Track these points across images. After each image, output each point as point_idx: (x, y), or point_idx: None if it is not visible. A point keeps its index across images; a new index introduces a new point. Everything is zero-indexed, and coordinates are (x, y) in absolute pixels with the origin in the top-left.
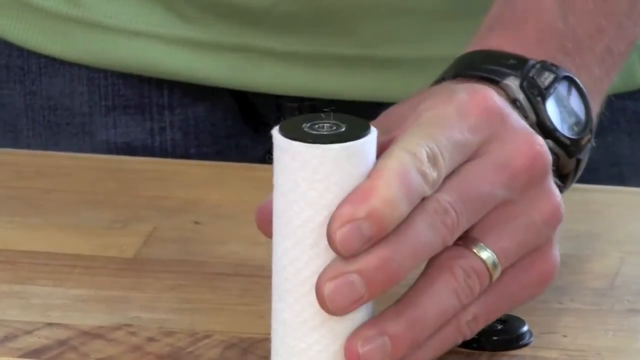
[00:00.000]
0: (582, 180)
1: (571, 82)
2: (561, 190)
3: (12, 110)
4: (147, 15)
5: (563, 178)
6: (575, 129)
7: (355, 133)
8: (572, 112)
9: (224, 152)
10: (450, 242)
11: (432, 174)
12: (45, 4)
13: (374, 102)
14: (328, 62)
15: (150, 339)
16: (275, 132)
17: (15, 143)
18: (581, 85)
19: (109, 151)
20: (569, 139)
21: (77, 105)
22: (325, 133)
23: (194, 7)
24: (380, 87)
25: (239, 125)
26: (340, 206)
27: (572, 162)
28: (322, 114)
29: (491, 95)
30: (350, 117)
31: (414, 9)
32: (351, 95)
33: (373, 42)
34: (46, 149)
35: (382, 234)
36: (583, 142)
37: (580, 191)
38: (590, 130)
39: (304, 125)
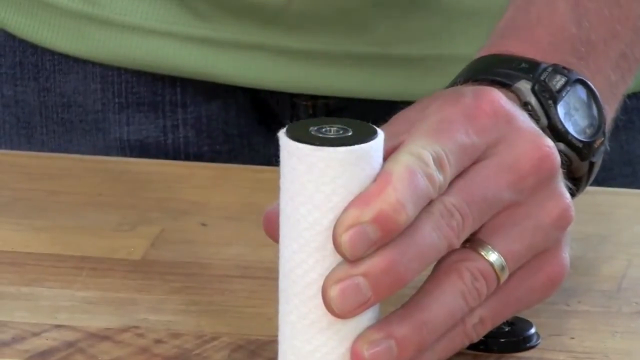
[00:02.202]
0: (596, 178)
1: (584, 85)
2: (574, 194)
3: (26, 108)
4: (161, 13)
5: (576, 181)
6: (588, 131)
7: (362, 137)
8: (584, 115)
9: (236, 151)
10: (457, 244)
11: (439, 177)
12: (60, 1)
13: (389, 100)
14: (343, 60)
15: (158, 341)
16: (282, 134)
17: (29, 140)
18: (594, 88)
19: (122, 149)
20: (581, 142)
21: (91, 102)
22: (332, 136)
23: (208, 5)
24: (395, 86)
25: (252, 123)
26: (346, 209)
27: (584, 165)
28: (329, 118)
29: (498, 98)
30: (357, 121)
31: (430, 7)
32: (366, 93)
33: (388, 40)
34: (60, 146)
35: (388, 238)
36: (596, 145)
37: (588, 193)
38: (604, 133)
39: (311, 128)
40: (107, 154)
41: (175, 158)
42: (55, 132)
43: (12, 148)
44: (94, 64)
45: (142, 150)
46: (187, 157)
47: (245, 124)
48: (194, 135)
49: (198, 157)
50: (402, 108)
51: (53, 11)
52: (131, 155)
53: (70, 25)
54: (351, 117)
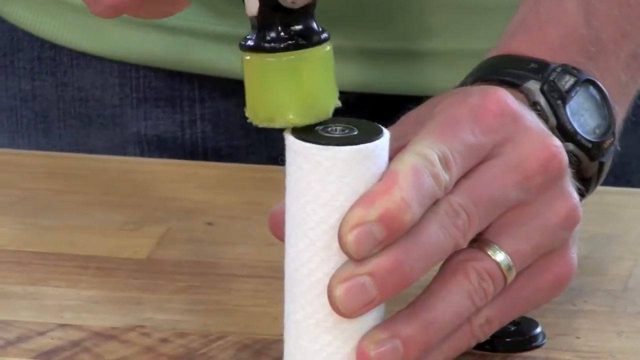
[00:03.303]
0: (614, 173)
1: (593, 85)
2: (584, 195)
3: (44, 102)
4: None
5: (585, 182)
6: (597, 132)
7: (368, 136)
8: (593, 115)
9: (254, 146)
10: (463, 244)
11: (444, 177)
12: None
13: (407, 96)
14: (361, 55)
15: (164, 340)
16: (287, 134)
17: (47, 134)
18: (603, 88)
19: (139, 143)
20: (590, 142)
21: (108, 97)
22: (337, 136)
23: (228, 2)
24: (413, 81)
25: None
26: (351, 209)
27: (594, 165)
28: (335, 117)
29: (505, 97)
30: (362, 120)
31: (449, 2)
32: (383, 88)
33: (407, 35)
34: (77, 140)
35: (393, 237)
36: (605, 145)
37: (595, 193)
38: (613, 134)
39: (316, 127)
40: (124, 148)
41: (192, 153)
42: (72, 126)
43: (29, 142)
44: (112, 59)
45: (160, 145)
46: (205, 152)
47: None
48: (212, 130)
49: (216, 152)
50: (417, 104)
51: (74, 10)
52: (148, 150)
53: (90, 23)
54: (369, 112)
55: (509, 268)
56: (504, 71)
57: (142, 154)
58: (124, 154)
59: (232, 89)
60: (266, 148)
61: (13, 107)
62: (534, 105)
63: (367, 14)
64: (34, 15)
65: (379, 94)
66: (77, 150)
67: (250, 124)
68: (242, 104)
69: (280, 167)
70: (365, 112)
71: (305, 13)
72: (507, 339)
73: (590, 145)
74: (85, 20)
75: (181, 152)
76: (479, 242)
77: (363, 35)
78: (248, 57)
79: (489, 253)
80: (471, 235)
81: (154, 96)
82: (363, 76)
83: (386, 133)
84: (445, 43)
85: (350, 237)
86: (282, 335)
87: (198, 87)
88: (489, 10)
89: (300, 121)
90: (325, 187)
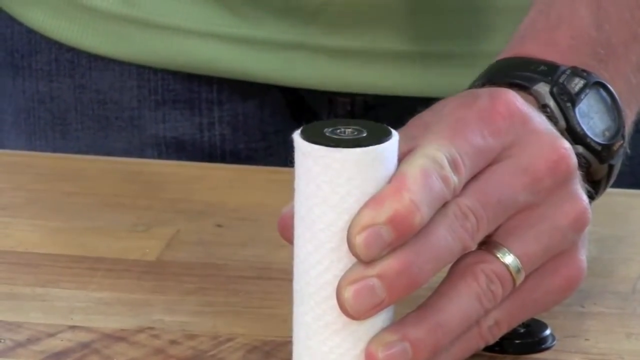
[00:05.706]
0: (635, 175)
1: (603, 88)
2: (593, 197)
3: (62, 104)
4: (201, 14)
5: (595, 184)
6: (607, 134)
7: (377, 138)
8: (603, 118)
9: (272, 148)
10: (472, 246)
11: (453, 179)
12: (101, 4)
13: (427, 97)
14: (382, 58)
15: (173, 342)
16: (296, 136)
17: (64, 136)
18: (613, 91)
19: (157, 145)
20: (599, 144)
21: (127, 99)
22: (346, 138)
23: (248, 5)
24: (434, 83)
25: (288, 121)
26: (361, 211)
27: (603, 168)
28: (344, 119)
29: (514, 99)
30: (371, 122)
31: (467, 4)
32: (404, 90)
33: (426, 37)
34: (95, 142)
35: (402, 239)
36: (615, 147)
37: (604, 194)
38: (623, 136)
39: (325, 130)
40: (142, 151)
41: (211, 155)
42: (90, 128)
43: (46, 144)
44: (131, 63)
45: (178, 147)
46: (223, 155)
47: (282, 121)
48: (230, 132)
49: (234, 154)
50: (428, 106)
51: (94, 15)
52: (167, 153)
53: (110, 28)
54: (389, 114)
55: (518, 270)
56: (513, 73)
57: (160, 157)
58: (142, 156)
59: (250, 92)
60: (284, 151)
61: (30, 108)
62: (543, 108)
63: (391, 16)
64: (53, 20)
65: (399, 96)
66: (95, 153)
67: (269, 126)
68: (260, 105)
69: (289, 169)
70: (387, 114)
71: None
72: (517, 341)
73: (599, 148)
74: (104, 24)
75: (199, 154)
76: (488, 244)
77: (387, 37)
78: None
79: (498, 255)
80: (480, 237)
81: (172, 99)
82: (386, 78)
83: (395, 135)
84: (469, 45)
85: (360, 239)
86: (291, 336)
87: (217, 90)
88: (515, 12)
89: None
90: (334, 189)
